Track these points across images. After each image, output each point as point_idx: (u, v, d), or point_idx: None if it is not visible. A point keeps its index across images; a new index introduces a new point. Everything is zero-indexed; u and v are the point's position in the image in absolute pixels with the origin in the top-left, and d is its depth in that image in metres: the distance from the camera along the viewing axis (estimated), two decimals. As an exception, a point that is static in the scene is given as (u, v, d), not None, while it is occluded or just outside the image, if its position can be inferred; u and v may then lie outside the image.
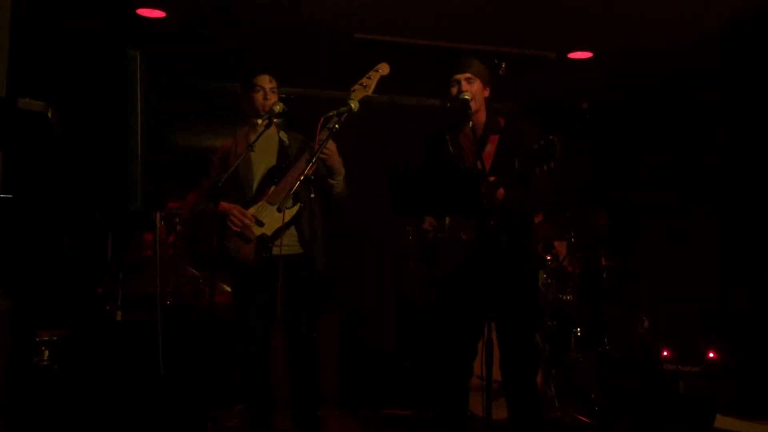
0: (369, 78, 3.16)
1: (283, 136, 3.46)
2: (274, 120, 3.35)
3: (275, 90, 3.39)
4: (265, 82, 3.36)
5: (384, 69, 3.20)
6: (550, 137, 2.63)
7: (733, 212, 4.71)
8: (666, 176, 5.57)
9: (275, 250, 3.21)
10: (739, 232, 4.77)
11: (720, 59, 4.34)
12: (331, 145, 3.17)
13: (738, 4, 3.93)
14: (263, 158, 3.38)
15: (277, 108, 3.29)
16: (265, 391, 3.35)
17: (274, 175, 3.33)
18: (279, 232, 3.18)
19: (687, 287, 5.31)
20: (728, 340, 4.73)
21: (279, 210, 3.11)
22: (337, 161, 3.27)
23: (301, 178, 3.04)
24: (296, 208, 3.27)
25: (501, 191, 2.87)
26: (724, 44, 4.27)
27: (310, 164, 3.04)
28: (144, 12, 4.11)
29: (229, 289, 4.17)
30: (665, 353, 4.69)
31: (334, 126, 3.09)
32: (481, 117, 3.14)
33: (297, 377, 3.32)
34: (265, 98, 3.35)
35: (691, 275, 5.33)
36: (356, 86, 3.14)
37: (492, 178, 2.88)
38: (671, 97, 5.53)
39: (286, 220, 3.18)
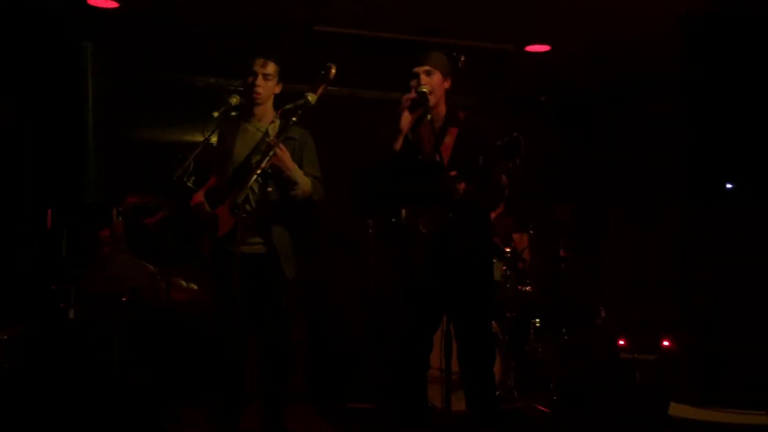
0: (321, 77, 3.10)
1: (272, 129, 3.25)
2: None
3: (270, 77, 3.21)
4: (258, 65, 3.20)
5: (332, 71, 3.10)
6: (515, 134, 2.64)
7: (692, 204, 4.81)
8: (626, 168, 5.66)
9: (232, 247, 3.16)
10: (697, 224, 4.87)
11: (679, 52, 4.42)
12: (284, 154, 3.10)
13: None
14: (242, 153, 3.28)
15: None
16: (238, 390, 3.28)
17: (241, 172, 3.24)
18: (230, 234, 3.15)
19: (644, 278, 5.41)
20: (685, 328, 4.83)
21: (232, 212, 3.09)
22: (289, 170, 3.13)
23: (258, 172, 3.01)
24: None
25: (462, 186, 2.87)
26: (683, 38, 4.34)
27: (267, 158, 3.01)
28: (95, 2, 4.02)
29: (186, 284, 4.13)
30: (621, 342, 4.78)
31: (290, 119, 3.07)
32: (441, 109, 3.12)
33: (267, 379, 3.27)
34: (254, 83, 3.20)
35: (648, 266, 5.43)
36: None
37: (453, 173, 2.88)
38: (630, 89, 5.60)
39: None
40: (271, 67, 3.23)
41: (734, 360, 4.15)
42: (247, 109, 3.30)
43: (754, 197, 4.08)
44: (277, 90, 3.31)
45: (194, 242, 3.45)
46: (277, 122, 3.29)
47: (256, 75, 3.21)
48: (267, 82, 3.23)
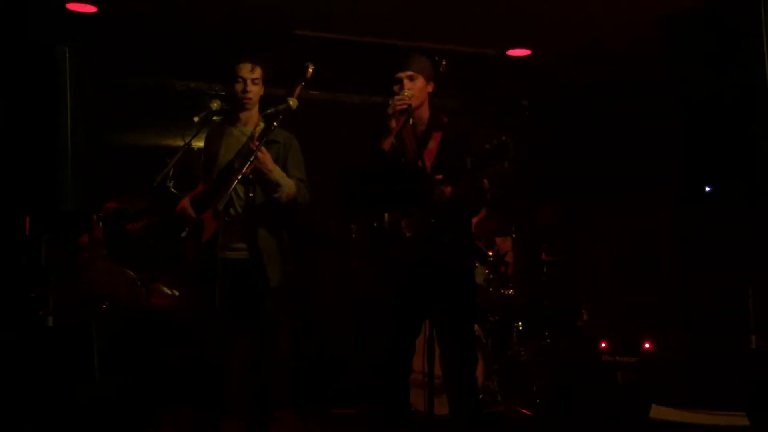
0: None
1: (257, 133, 3.20)
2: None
3: (258, 81, 3.18)
4: (246, 71, 3.16)
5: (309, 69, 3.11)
6: (504, 138, 2.65)
7: (674, 206, 4.84)
8: (608, 171, 5.67)
9: (216, 252, 3.12)
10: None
11: (659, 54, 4.45)
12: (265, 157, 3.08)
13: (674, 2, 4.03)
14: (227, 157, 3.24)
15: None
16: (219, 396, 3.24)
17: (224, 177, 3.22)
18: (213, 237, 3.10)
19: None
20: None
21: (215, 215, 3.05)
22: (270, 172, 3.10)
23: (239, 177, 2.99)
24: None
25: (448, 190, 2.87)
26: (663, 40, 4.37)
27: (248, 163, 3.00)
28: (74, 7, 3.98)
29: (168, 290, 4.09)
30: (603, 345, 4.80)
31: (272, 123, 3.06)
32: (424, 113, 3.12)
33: (252, 385, 3.23)
34: (244, 90, 3.16)
35: (629, 268, 5.46)
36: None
37: (439, 177, 2.88)
38: (612, 92, 5.62)
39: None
40: (258, 72, 3.21)
41: (719, 360, 4.16)
42: (234, 114, 3.28)
43: (754, 197, 4.09)
44: (261, 93, 3.30)
45: (176, 248, 3.42)
46: (262, 126, 3.28)
47: (245, 81, 3.18)
48: (256, 87, 3.21)
